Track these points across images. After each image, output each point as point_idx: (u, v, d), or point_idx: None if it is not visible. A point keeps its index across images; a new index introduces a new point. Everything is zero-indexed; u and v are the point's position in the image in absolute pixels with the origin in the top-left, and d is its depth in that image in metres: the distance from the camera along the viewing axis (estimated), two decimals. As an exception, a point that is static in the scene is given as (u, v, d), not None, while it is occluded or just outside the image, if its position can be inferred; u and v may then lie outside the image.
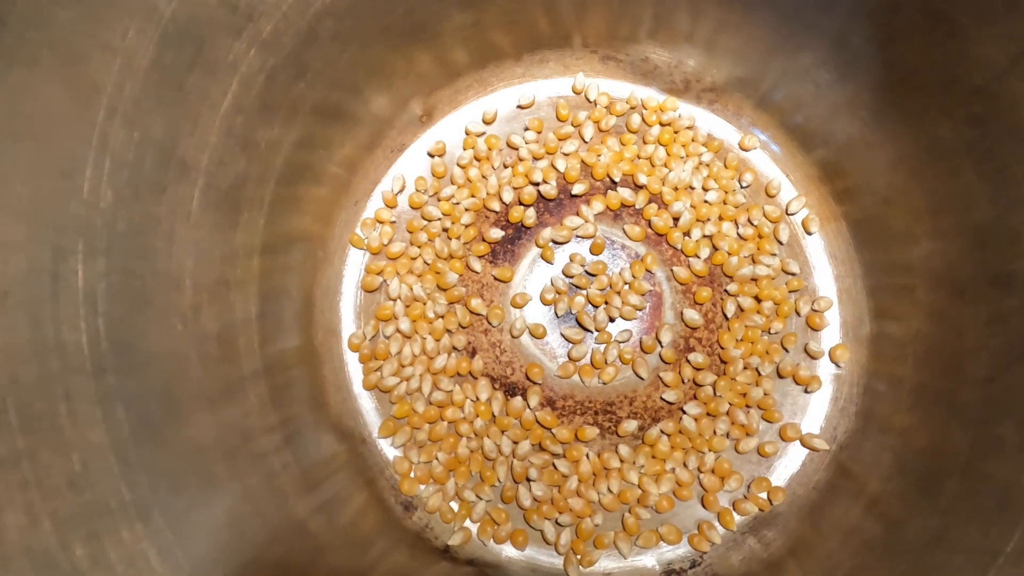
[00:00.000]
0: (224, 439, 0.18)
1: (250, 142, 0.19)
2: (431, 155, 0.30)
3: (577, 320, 0.28)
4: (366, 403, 0.27)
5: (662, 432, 0.27)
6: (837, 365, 0.28)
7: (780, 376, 0.28)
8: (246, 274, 0.20)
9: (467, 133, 0.30)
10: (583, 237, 0.29)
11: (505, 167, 0.29)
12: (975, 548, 0.18)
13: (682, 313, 0.28)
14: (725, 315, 0.28)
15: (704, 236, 0.29)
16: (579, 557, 0.26)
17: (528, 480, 0.26)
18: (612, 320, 0.28)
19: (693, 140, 0.30)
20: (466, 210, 0.29)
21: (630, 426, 0.27)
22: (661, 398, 0.27)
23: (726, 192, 0.29)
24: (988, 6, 0.19)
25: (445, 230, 0.29)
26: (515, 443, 0.27)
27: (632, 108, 0.30)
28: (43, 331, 0.12)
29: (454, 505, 0.26)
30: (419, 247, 0.29)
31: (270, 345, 0.23)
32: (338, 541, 0.22)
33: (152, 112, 0.15)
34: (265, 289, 0.22)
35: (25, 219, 0.12)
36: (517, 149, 0.30)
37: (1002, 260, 0.21)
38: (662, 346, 0.28)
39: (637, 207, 0.29)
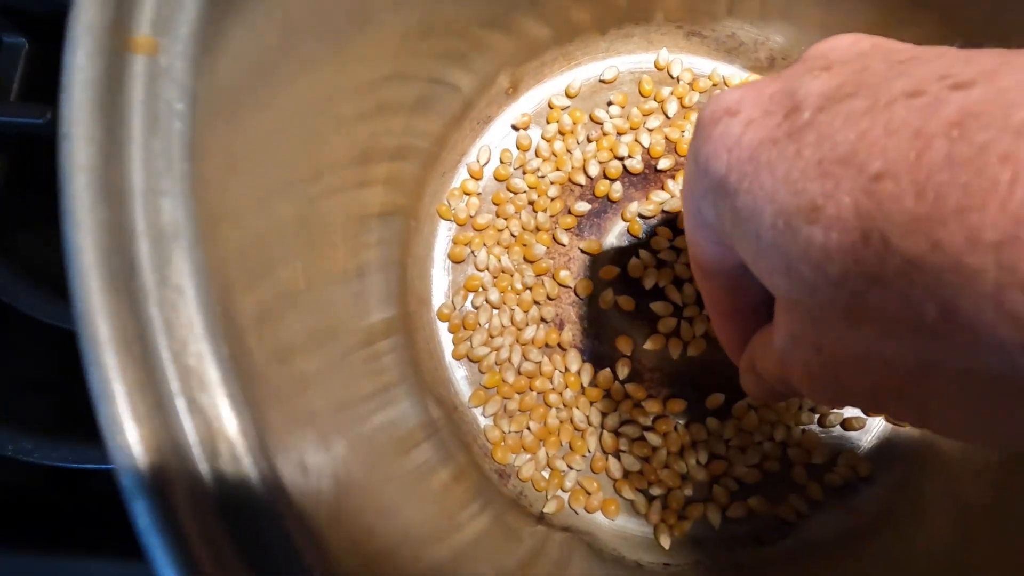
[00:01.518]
0: (342, 405, 0.18)
1: (382, 104, 0.19)
2: (516, 128, 0.30)
3: (664, 294, 0.28)
4: (457, 372, 0.27)
5: (749, 405, 0.27)
6: (922, 342, 0.28)
7: (864, 352, 0.28)
8: (369, 239, 0.21)
9: (551, 107, 0.30)
10: (669, 212, 0.29)
11: (589, 141, 0.30)
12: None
13: (768, 288, 0.28)
14: (810, 291, 0.28)
15: (788, 212, 0.29)
16: (669, 526, 0.26)
17: (618, 451, 0.27)
18: (699, 294, 0.28)
19: (776, 117, 0.30)
20: (552, 183, 0.29)
21: (718, 399, 0.27)
22: (748, 372, 0.28)
23: (809, 169, 0.29)
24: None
25: (531, 203, 0.29)
26: (604, 414, 0.27)
27: (715, 85, 0.30)
28: (278, 277, 0.12)
29: (546, 474, 0.27)
30: (506, 219, 0.29)
31: (376, 313, 0.23)
32: (440, 492, 0.23)
33: (326, 63, 0.15)
34: (379, 257, 0.22)
35: (249, 160, 0.12)
36: (601, 123, 0.30)
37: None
38: (748, 320, 0.28)
39: (722, 183, 0.29)
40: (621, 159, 0.29)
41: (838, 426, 0.27)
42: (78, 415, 0.30)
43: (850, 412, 0.27)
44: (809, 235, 0.11)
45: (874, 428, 0.27)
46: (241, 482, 0.09)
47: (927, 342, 0.11)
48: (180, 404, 0.09)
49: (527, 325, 0.28)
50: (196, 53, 0.10)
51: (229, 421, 0.09)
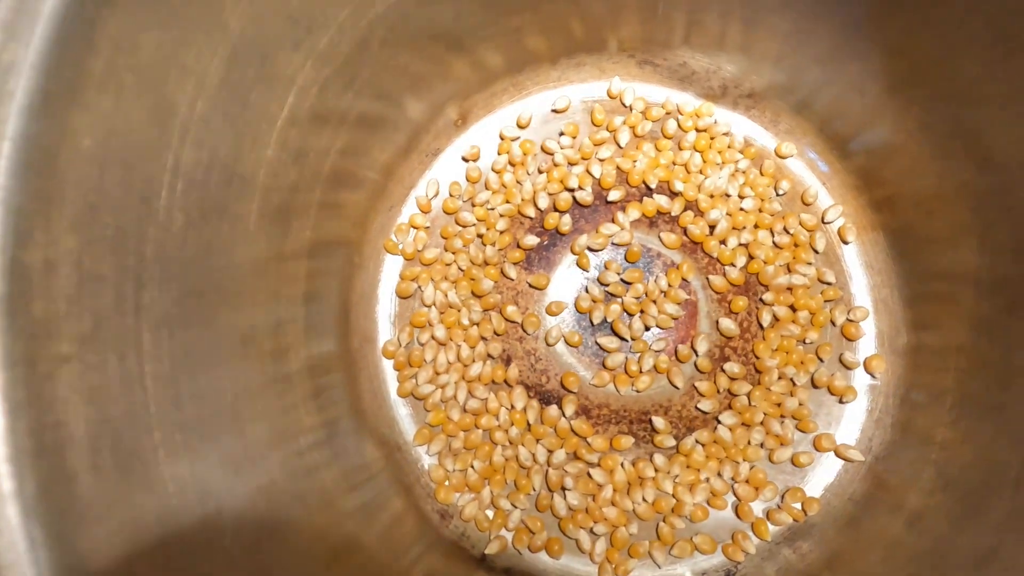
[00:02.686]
0: (274, 440, 0.18)
1: (301, 153, 0.19)
2: (466, 160, 0.29)
3: (612, 328, 0.28)
4: (401, 410, 0.27)
5: (697, 441, 0.27)
6: (873, 376, 0.28)
7: (815, 386, 0.28)
8: (294, 283, 0.20)
9: (502, 138, 0.29)
10: (619, 244, 0.28)
11: (540, 172, 0.29)
12: (1028, 571, 0.18)
13: (718, 322, 0.28)
14: (760, 324, 0.28)
15: (740, 244, 0.28)
16: (614, 566, 0.26)
17: (563, 489, 0.26)
18: (648, 329, 0.28)
19: (729, 147, 0.29)
20: (501, 216, 0.29)
21: (666, 436, 0.27)
22: (696, 407, 0.27)
23: (762, 200, 0.29)
24: (1053, 24, 0.18)
25: (480, 236, 0.29)
26: (550, 452, 0.27)
27: (668, 114, 0.30)
28: (128, 364, 0.12)
29: (489, 513, 0.26)
30: (454, 253, 0.28)
31: (312, 352, 0.23)
32: (375, 542, 0.22)
33: (219, 131, 0.15)
34: (309, 296, 0.22)
35: (112, 250, 0.12)
36: (552, 154, 0.29)
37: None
38: (697, 355, 0.28)
39: (673, 214, 0.29)
40: (571, 191, 0.29)
41: (788, 462, 0.27)
42: None
43: (799, 448, 0.27)
44: None
45: (824, 464, 0.27)
46: None
47: None
48: None
49: (473, 361, 0.27)
50: (24, 166, 0.09)
51: (25, 562, 0.09)
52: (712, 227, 0.29)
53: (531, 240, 0.28)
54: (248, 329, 0.17)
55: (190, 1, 0.13)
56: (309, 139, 0.19)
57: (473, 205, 0.29)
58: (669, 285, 0.28)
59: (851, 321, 0.28)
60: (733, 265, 0.28)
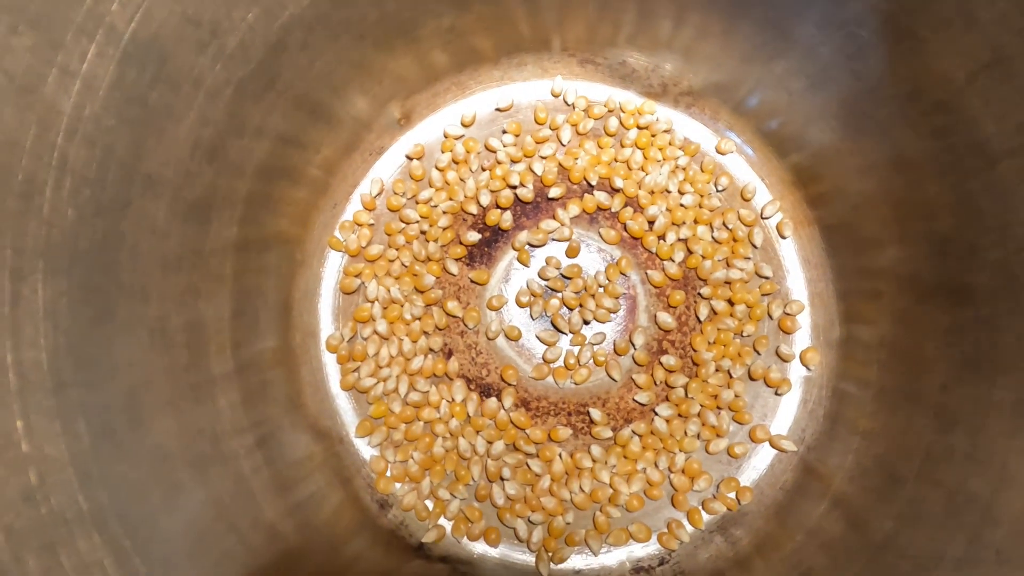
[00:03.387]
0: (191, 445, 0.18)
1: (219, 153, 0.19)
2: (409, 158, 0.30)
3: (552, 322, 0.28)
4: (343, 403, 0.28)
5: (634, 433, 0.27)
6: (807, 368, 0.28)
7: (751, 378, 0.28)
8: (218, 279, 0.21)
9: (445, 136, 0.30)
10: (559, 240, 0.29)
11: (483, 170, 0.30)
12: (921, 554, 0.18)
13: (656, 316, 0.28)
14: (698, 318, 0.28)
15: (679, 240, 0.29)
16: (550, 554, 0.26)
17: (502, 479, 0.27)
18: (587, 323, 0.28)
19: (670, 144, 0.30)
20: (444, 213, 0.29)
21: (603, 427, 0.27)
22: (633, 399, 0.28)
23: (702, 196, 0.30)
24: (947, 22, 0.19)
25: (423, 233, 0.29)
26: (489, 443, 0.27)
27: (610, 111, 0.30)
28: (1, 351, 0.13)
29: (429, 503, 0.27)
30: (397, 249, 0.29)
31: (245, 348, 0.23)
32: (312, 542, 0.23)
33: (114, 130, 0.15)
34: (239, 291, 0.23)
35: None
36: (495, 152, 0.30)
37: (960, 271, 0.21)
38: (635, 348, 0.28)
39: (613, 210, 0.29)
40: (513, 188, 0.29)
41: (723, 452, 0.28)
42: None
43: (735, 439, 0.28)
44: None
45: (757, 455, 0.28)
46: None
47: None
48: None
49: (415, 355, 0.28)
50: None
51: None
52: (651, 223, 0.29)
53: (473, 236, 0.29)
54: (156, 323, 0.17)
55: (67, 5, 0.13)
56: (228, 139, 0.19)
57: (416, 202, 0.29)
58: (608, 280, 0.29)
59: (788, 315, 0.29)
60: (672, 260, 0.29)
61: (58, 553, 0.13)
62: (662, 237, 0.29)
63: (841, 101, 0.24)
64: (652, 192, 0.29)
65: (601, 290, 0.28)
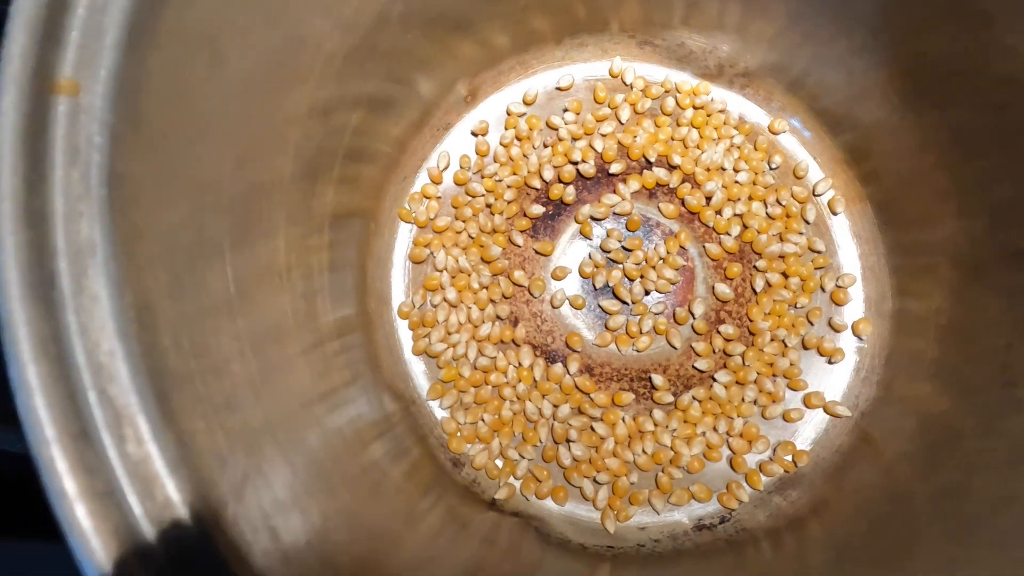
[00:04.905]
0: (313, 389, 0.19)
1: (327, 119, 0.20)
2: (474, 134, 0.31)
3: (614, 292, 0.29)
4: (416, 367, 0.29)
5: (694, 398, 0.29)
6: (860, 338, 0.29)
7: (805, 348, 0.29)
8: (320, 242, 0.22)
9: (509, 113, 0.31)
10: (620, 214, 0.30)
11: (545, 146, 0.31)
12: (991, 496, 0.19)
13: (713, 287, 0.30)
14: (754, 289, 0.30)
15: (735, 215, 0.30)
16: (615, 512, 0.27)
17: (568, 441, 0.28)
18: (647, 293, 0.29)
19: (725, 123, 0.31)
20: (508, 187, 0.30)
21: (664, 392, 0.29)
22: (693, 366, 0.29)
23: (756, 173, 0.31)
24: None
25: (488, 206, 0.30)
26: (555, 407, 0.28)
27: (667, 92, 0.31)
28: (196, 275, 0.14)
29: (499, 463, 0.28)
30: (464, 221, 0.30)
31: (337, 306, 0.25)
32: (401, 481, 0.24)
33: (261, 84, 0.16)
34: (332, 258, 0.24)
35: (178, 176, 0.13)
36: (556, 129, 0.31)
37: (1019, 236, 0.22)
38: (694, 318, 0.29)
39: (671, 186, 0.30)
40: (575, 163, 0.30)
41: (779, 418, 0.29)
42: None
43: (790, 405, 0.29)
44: None
45: (813, 420, 0.29)
46: (146, 465, 0.11)
47: None
48: (91, 396, 0.10)
49: (483, 322, 0.29)
50: (116, 92, 0.11)
51: (135, 409, 0.11)
52: (708, 198, 0.30)
53: (537, 209, 0.30)
54: (284, 269, 0.18)
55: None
56: (333, 109, 0.21)
57: (482, 177, 0.31)
58: (668, 252, 0.30)
59: (839, 287, 0.30)
60: (728, 234, 0.30)
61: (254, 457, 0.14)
62: (719, 212, 0.30)
63: (903, 78, 0.25)
64: (708, 169, 0.31)
65: (661, 262, 0.30)
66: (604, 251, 0.30)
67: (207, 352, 0.13)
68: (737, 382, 0.29)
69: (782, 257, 0.30)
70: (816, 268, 0.30)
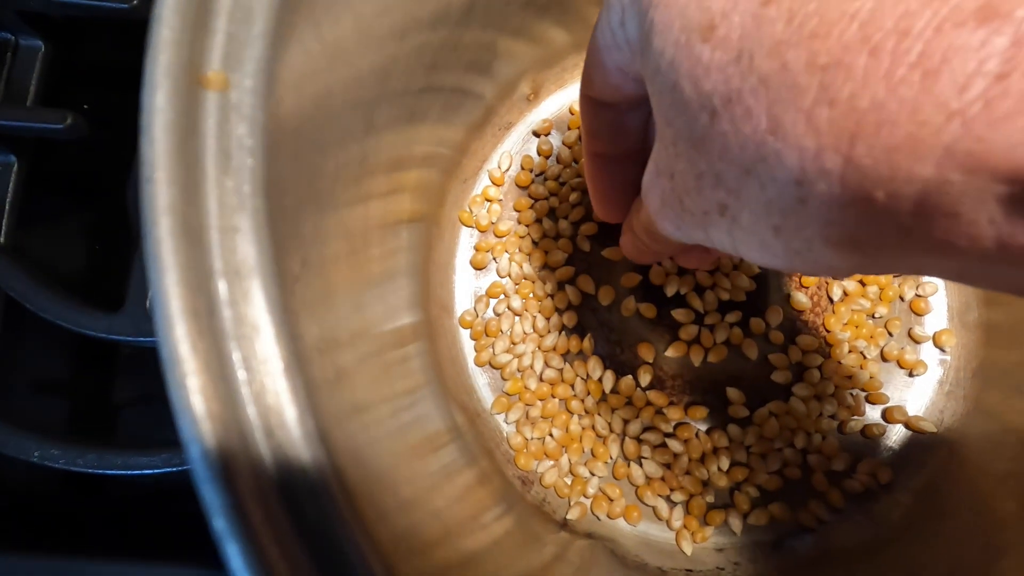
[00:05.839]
0: (377, 389, 0.18)
1: (414, 114, 0.19)
2: (537, 134, 0.30)
3: (686, 301, 0.28)
4: (480, 379, 0.28)
5: (770, 412, 0.27)
6: (942, 350, 0.28)
7: (884, 360, 0.28)
8: (396, 244, 0.21)
9: (572, 112, 0.30)
10: (690, 218, 0.29)
11: (610, 147, 0.29)
12: None
13: (789, 296, 0.28)
14: (831, 298, 0.28)
15: (809, 219, 0.29)
16: (691, 532, 0.26)
17: (640, 458, 0.27)
18: (720, 302, 0.28)
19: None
20: (572, 189, 0.29)
21: (739, 406, 0.27)
22: (769, 379, 0.28)
23: (830, 176, 0.29)
24: None
25: (552, 209, 0.29)
26: (626, 421, 0.27)
27: (736, 90, 0.30)
28: (323, 298, 0.13)
29: (568, 480, 0.27)
30: (527, 226, 0.29)
31: (401, 315, 0.23)
32: (472, 490, 0.23)
33: (366, 79, 0.15)
34: (402, 262, 0.22)
35: (307, 179, 0.12)
36: (622, 129, 0.30)
37: None
38: (770, 328, 0.28)
39: (743, 189, 0.29)
40: (642, 165, 0.29)
41: (859, 433, 0.27)
42: (95, 419, 0.31)
43: (870, 419, 0.27)
44: (699, 53, 0.12)
45: (895, 435, 0.27)
46: (299, 464, 0.10)
47: (753, 153, 0.12)
48: (245, 392, 0.09)
49: (549, 332, 0.28)
50: (262, 86, 0.10)
51: (289, 408, 0.09)
52: (782, 202, 0.29)
53: (604, 213, 0.29)
54: (375, 273, 0.17)
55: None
56: (420, 100, 0.19)
57: (545, 179, 0.29)
58: (741, 259, 0.28)
59: (919, 296, 0.28)
60: (803, 240, 0.29)
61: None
62: (793, 217, 0.29)
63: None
64: (781, 172, 0.29)
65: (735, 269, 0.28)
66: (674, 258, 0.28)
67: (326, 344, 0.12)
68: (815, 395, 0.27)
69: (859, 264, 0.29)
70: (895, 276, 0.29)
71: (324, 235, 0.13)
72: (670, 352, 0.28)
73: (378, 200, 0.19)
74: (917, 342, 0.28)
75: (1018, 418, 0.24)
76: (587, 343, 0.28)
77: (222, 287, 0.09)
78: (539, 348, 0.28)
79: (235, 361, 0.09)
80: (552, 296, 0.28)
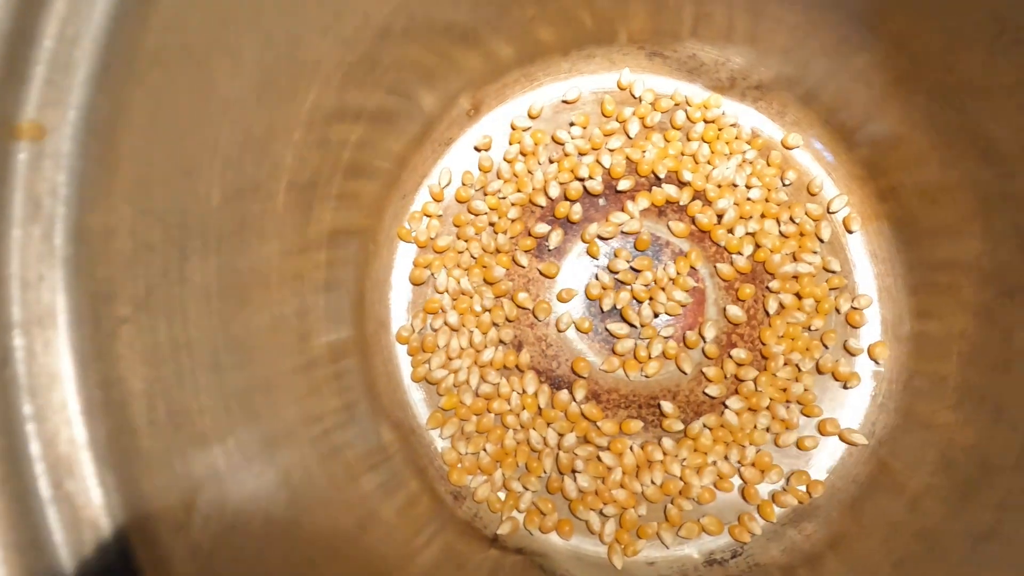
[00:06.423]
0: (303, 419, 0.18)
1: (324, 139, 0.19)
2: (478, 149, 0.30)
3: (622, 315, 0.28)
4: (415, 395, 0.28)
5: (704, 426, 0.27)
6: (876, 362, 0.28)
7: (820, 372, 0.28)
8: (315, 267, 0.21)
9: (513, 128, 0.30)
10: (628, 233, 0.29)
11: (551, 162, 0.30)
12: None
13: (725, 309, 0.28)
14: (767, 311, 0.28)
15: (747, 233, 0.29)
16: (623, 547, 0.26)
17: (574, 472, 0.27)
18: (656, 315, 0.28)
19: (737, 137, 0.30)
20: (512, 205, 0.29)
21: (674, 420, 0.27)
22: (704, 392, 0.28)
23: (769, 190, 0.30)
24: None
25: (492, 224, 0.29)
26: (561, 435, 0.27)
27: (677, 105, 0.30)
28: (175, 331, 0.13)
29: (501, 495, 0.27)
30: (466, 241, 0.29)
31: (332, 334, 0.23)
32: (394, 518, 0.23)
33: (254, 111, 0.15)
34: (329, 283, 0.23)
35: (160, 220, 0.12)
36: (563, 144, 0.30)
37: (1055, 264, 0.21)
38: (705, 341, 0.28)
39: (681, 204, 0.29)
40: (582, 180, 0.29)
41: (793, 446, 0.28)
42: None
43: (804, 432, 0.28)
44: None
45: (828, 448, 0.28)
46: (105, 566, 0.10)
47: None
48: (46, 495, 0.09)
49: (485, 347, 0.28)
50: (87, 133, 0.10)
51: (98, 505, 0.09)
52: (720, 216, 0.29)
53: (542, 228, 0.29)
54: (278, 309, 0.17)
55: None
56: (332, 126, 0.19)
57: (485, 194, 0.29)
58: (677, 273, 0.28)
59: (855, 309, 0.29)
60: (740, 253, 0.29)
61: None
62: (731, 231, 0.29)
63: (929, 93, 0.24)
64: (720, 186, 0.29)
65: (671, 283, 0.28)
66: (611, 272, 0.29)
67: (185, 422, 0.12)
68: (749, 408, 0.28)
69: (796, 277, 0.29)
70: (831, 289, 0.29)
71: (193, 272, 0.13)
72: (606, 366, 0.28)
73: (293, 221, 0.19)
74: (852, 355, 0.28)
75: (942, 432, 0.25)
76: (523, 358, 0.28)
77: (18, 339, 0.09)
78: (475, 363, 0.28)
79: (26, 414, 0.09)
80: (489, 311, 0.28)
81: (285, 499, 0.16)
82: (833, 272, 0.29)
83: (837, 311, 0.29)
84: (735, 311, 0.28)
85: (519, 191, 0.29)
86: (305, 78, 0.17)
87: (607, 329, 0.28)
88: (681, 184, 0.30)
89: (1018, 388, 0.22)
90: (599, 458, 0.27)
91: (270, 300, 0.17)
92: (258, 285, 0.16)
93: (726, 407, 0.28)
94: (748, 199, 0.29)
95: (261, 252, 0.16)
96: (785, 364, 0.28)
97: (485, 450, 0.27)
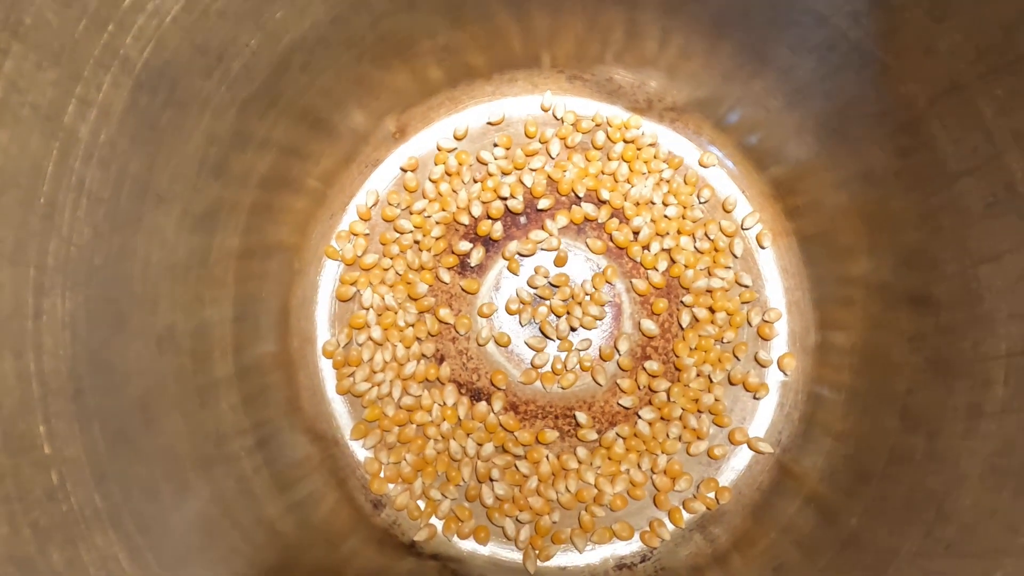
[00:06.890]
0: (198, 446, 0.19)
1: (224, 169, 0.20)
2: (404, 170, 0.31)
3: (540, 329, 0.29)
4: (339, 407, 0.29)
5: (618, 435, 0.29)
6: (784, 373, 0.29)
7: (731, 383, 0.29)
8: (221, 286, 0.22)
9: (439, 149, 0.31)
10: (547, 250, 0.30)
11: (475, 182, 0.31)
12: (881, 547, 0.19)
13: (640, 323, 0.30)
14: (680, 325, 0.30)
15: (663, 249, 0.30)
16: (537, 552, 0.27)
17: (491, 480, 0.28)
18: (573, 329, 0.30)
19: (655, 157, 0.31)
20: (436, 223, 0.30)
21: (588, 430, 0.29)
22: (618, 403, 0.29)
23: (685, 207, 0.31)
24: (908, 50, 0.20)
25: (416, 242, 0.30)
26: (479, 445, 0.28)
27: (597, 125, 0.31)
28: (25, 361, 0.14)
29: (421, 503, 0.28)
30: (391, 259, 0.30)
31: (246, 352, 0.24)
32: (309, 539, 0.24)
33: (128, 152, 0.16)
34: (241, 298, 0.24)
35: (10, 262, 0.13)
36: (486, 164, 0.31)
37: (924, 281, 0.23)
38: (620, 354, 0.29)
39: (599, 221, 0.30)
40: (504, 199, 0.31)
41: (703, 454, 0.29)
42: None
43: (714, 441, 0.29)
44: None
45: (736, 456, 0.29)
46: None
47: None
48: None
49: (408, 361, 0.29)
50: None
51: None
52: (636, 233, 0.30)
53: (465, 246, 0.30)
54: (165, 330, 0.18)
55: (87, 42, 0.14)
56: (232, 155, 0.21)
57: (411, 213, 0.31)
58: (594, 288, 0.30)
59: (766, 322, 0.30)
60: (655, 269, 0.30)
61: (78, 547, 0.14)
62: (646, 247, 0.30)
63: (816, 118, 0.25)
64: (637, 204, 0.31)
65: (588, 298, 0.30)
66: (531, 287, 0.30)
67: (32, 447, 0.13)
68: (662, 418, 0.29)
69: (709, 292, 0.30)
70: (743, 302, 0.30)
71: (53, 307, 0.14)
72: (524, 378, 0.29)
73: (189, 246, 0.20)
74: (763, 366, 0.30)
75: (834, 441, 0.26)
76: (444, 371, 0.29)
77: None
78: (398, 376, 0.29)
79: None
80: (413, 326, 0.29)
81: (197, 531, 0.17)
82: (745, 286, 0.30)
83: (748, 324, 0.30)
84: (649, 325, 0.29)
85: (443, 210, 0.30)
86: (191, 117, 0.18)
87: (526, 343, 0.29)
88: (600, 203, 0.31)
89: (893, 399, 0.23)
90: (516, 467, 0.28)
91: (156, 324, 0.18)
92: (140, 309, 0.17)
93: (639, 417, 0.29)
94: (665, 216, 0.31)
95: (144, 277, 0.17)
96: (697, 375, 0.29)
97: (406, 460, 0.28)
